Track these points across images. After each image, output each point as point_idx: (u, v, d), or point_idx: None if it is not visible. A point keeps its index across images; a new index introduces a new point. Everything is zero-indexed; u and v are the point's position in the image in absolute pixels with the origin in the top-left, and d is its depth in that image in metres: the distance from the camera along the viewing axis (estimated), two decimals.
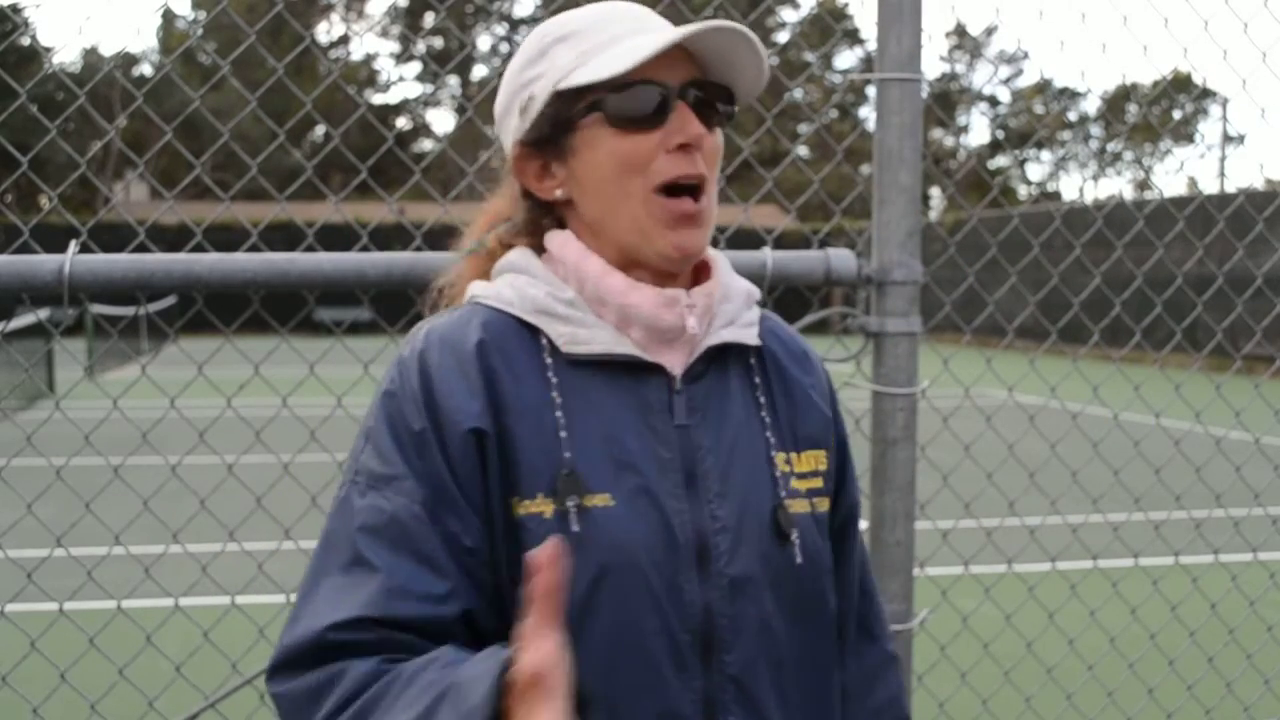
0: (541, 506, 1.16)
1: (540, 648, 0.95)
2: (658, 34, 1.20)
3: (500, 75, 1.34)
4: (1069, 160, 50.61)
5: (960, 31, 49.74)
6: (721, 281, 1.30)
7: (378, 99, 46.17)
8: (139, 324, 21.21)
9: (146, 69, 42.48)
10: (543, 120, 1.24)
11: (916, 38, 2.16)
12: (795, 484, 1.28)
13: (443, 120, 53.67)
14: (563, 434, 1.18)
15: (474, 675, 1.00)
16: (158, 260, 2.00)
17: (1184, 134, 44.51)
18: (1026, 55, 48.65)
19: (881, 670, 1.43)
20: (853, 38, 44.40)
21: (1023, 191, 45.64)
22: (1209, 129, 45.90)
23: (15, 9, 30.41)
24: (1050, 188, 52.34)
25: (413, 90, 50.97)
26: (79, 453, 2.43)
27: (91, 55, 37.87)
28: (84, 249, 2.04)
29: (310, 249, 2.18)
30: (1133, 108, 39.55)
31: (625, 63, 1.17)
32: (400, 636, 1.11)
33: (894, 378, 2.20)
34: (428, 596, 1.12)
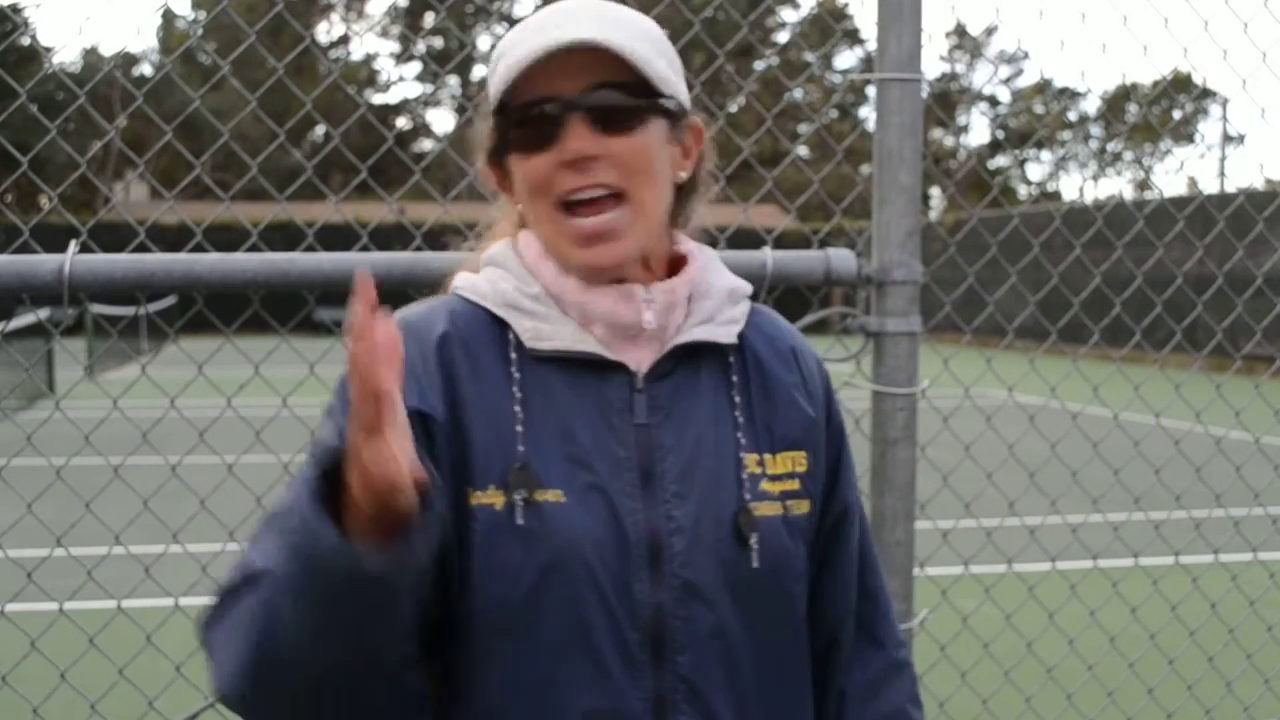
0: (493, 498, 1.17)
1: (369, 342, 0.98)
2: (528, 52, 1.17)
3: None
4: (1069, 160, 50.63)
5: (960, 31, 49.75)
6: (697, 278, 1.29)
7: (378, 99, 46.17)
8: (139, 324, 21.21)
9: (146, 69, 42.52)
10: (490, 140, 1.26)
11: (916, 38, 2.16)
12: (766, 486, 1.26)
13: (443, 120, 53.68)
14: (519, 428, 1.19)
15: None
16: (158, 260, 2.00)
17: (1184, 134, 44.52)
18: (1026, 55, 48.69)
19: (887, 678, 1.39)
20: (853, 38, 44.40)
21: (1023, 191, 45.65)
22: (1209, 129, 45.96)
23: (15, 9, 30.41)
24: (1050, 188, 52.39)
25: (413, 90, 51.04)
26: (79, 453, 2.43)
27: (91, 55, 37.90)
28: (84, 249, 2.04)
29: (310, 249, 2.18)
30: (1133, 108, 39.56)
31: (499, 86, 1.19)
32: None
33: (894, 378, 2.20)
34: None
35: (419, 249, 2.15)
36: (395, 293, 2.09)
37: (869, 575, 1.41)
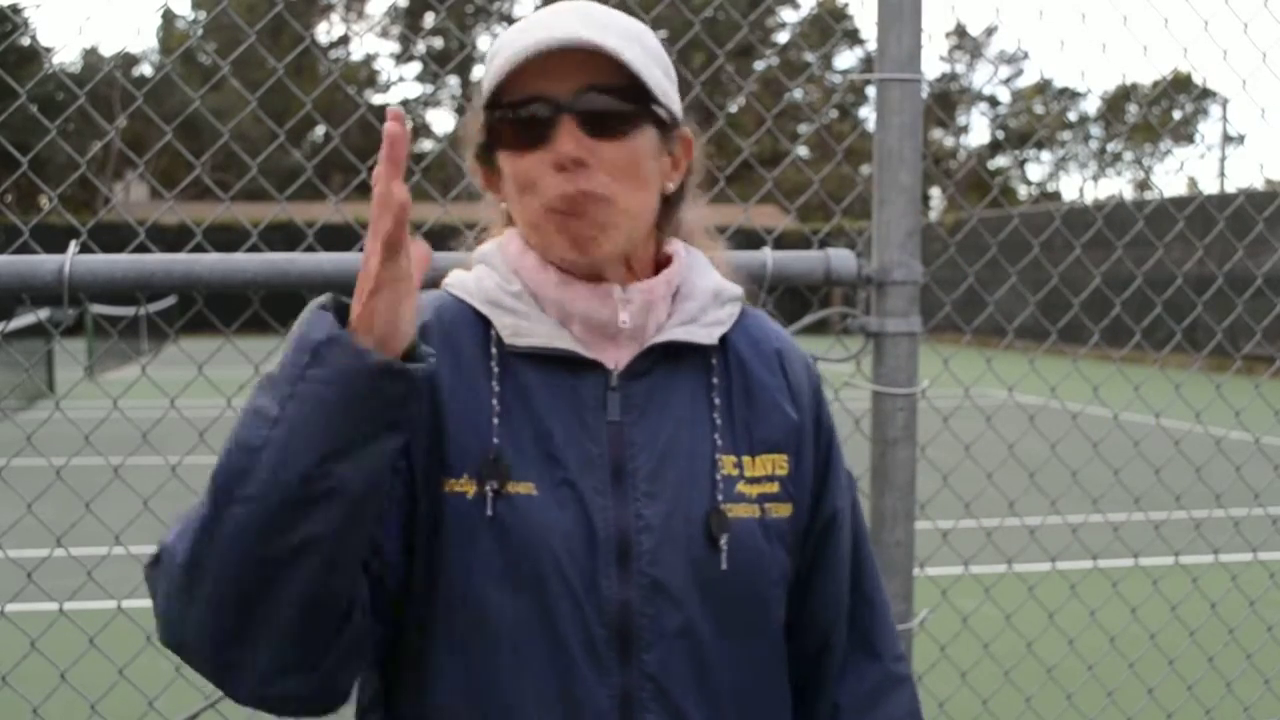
0: (465, 486, 1.19)
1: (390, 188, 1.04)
2: (520, 51, 1.16)
3: None
4: (1069, 160, 50.63)
5: (960, 31, 49.75)
6: (682, 279, 1.29)
7: (378, 99, 46.19)
8: (139, 324, 21.21)
9: (146, 69, 42.52)
10: (479, 137, 1.27)
11: (916, 38, 2.16)
12: (743, 488, 1.26)
13: (443, 120, 53.68)
14: (495, 420, 1.20)
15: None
16: (158, 260, 2.00)
17: (1184, 134, 44.50)
18: (1026, 55, 48.70)
19: (884, 691, 1.37)
20: (853, 38, 44.40)
21: (1023, 191, 45.66)
22: (1209, 129, 45.96)
23: (15, 9, 30.42)
24: (1050, 188, 52.39)
25: (413, 90, 51.00)
26: (79, 453, 2.43)
27: (91, 55, 37.89)
28: (84, 249, 2.04)
29: (310, 249, 2.18)
30: (1133, 108, 39.57)
31: (490, 84, 1.19)
32: None
33: (894, 378, 2.20)
34: None
35: None
36: None
37: (866, 582, 1.40)
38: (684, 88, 1.37)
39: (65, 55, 41.64)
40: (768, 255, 2.17)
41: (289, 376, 1.06)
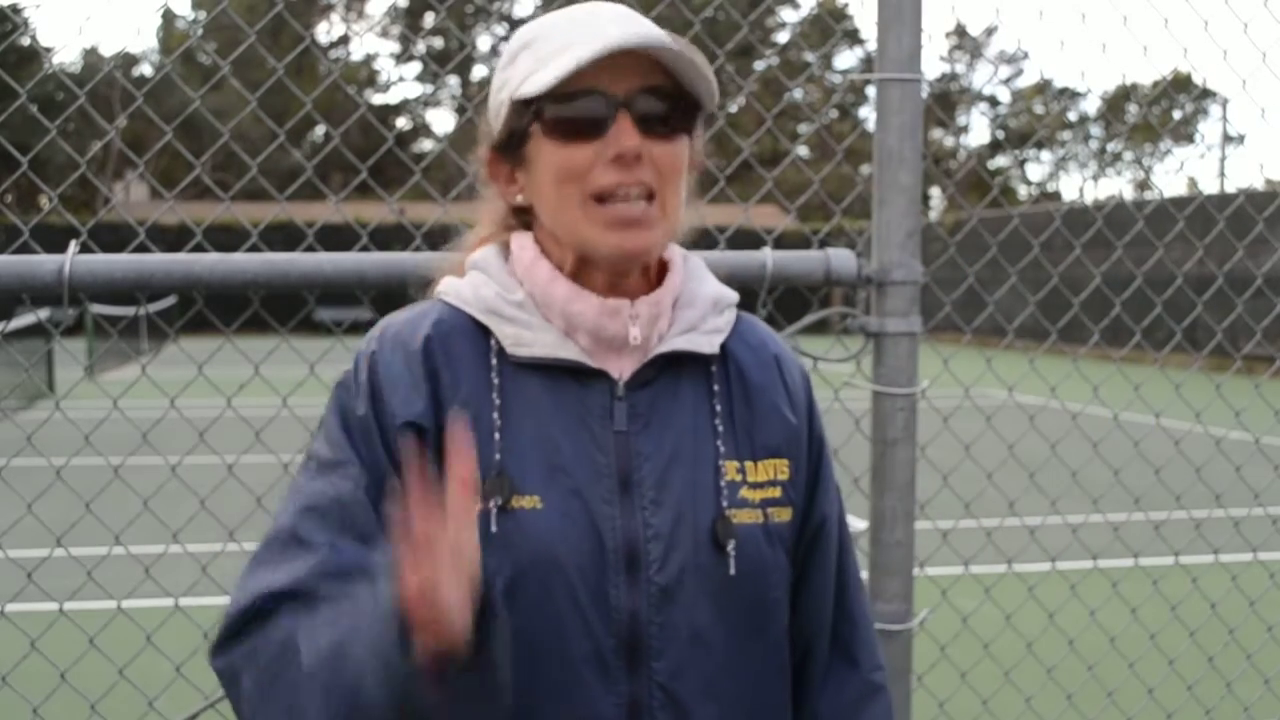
0: None
1: (411, 580, 0.99)
2: (588, 45, 1.17)
3: None
4: (1069, 160, 50.61)
5: (960, 31, 49.75)
6: (682, 287, 1.29)
7: (378, 99, 46.17)
8: (139, 324, 21.20)
9: (146, 69, 42.50)
10: (505, 129, 1.25)
11: (916, 38, 2.16)
12: (746, 494, 1.26)
13: (443, 120, 53.68)
14: (497, 435, 1.20)
15: (371, 615, 1.05)
16: (158, 260, 2.00)
17: (1184, 134, 44.50)
18: (1026, 55, 48.68)
19: (861, 704, 1.37)
20: (853, 38, 44.39)
21: (1023, 191, 45.64)
22: (1209, 129, 45.94)
23: (15, 9, 30.41)
24: (1050, 188, 52.37)
25: (413, 90, 51.02)
26: (79, 453, 2.43)
27: (91, 55, 37.87)
28: (84, 249, 2.04)
29: (310, 249, 2.18)
30: (1133, 108, 39.56)
31: (556, 74, 1.17)
32: None
33: (894, 378, 2.20)
34: (364, 573, 1.13)
35: (419, 249, 2.15)
36: (395, 293, 2.09)
37: (848, 593, 1.40)
38: None
39: (65, 55, 41.66)
40: (768, 255, 2.17)
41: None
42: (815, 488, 1.35)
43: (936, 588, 3.15)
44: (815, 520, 1.35)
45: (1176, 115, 39.07)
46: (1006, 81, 50.11)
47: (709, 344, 1.28)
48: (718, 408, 1.28)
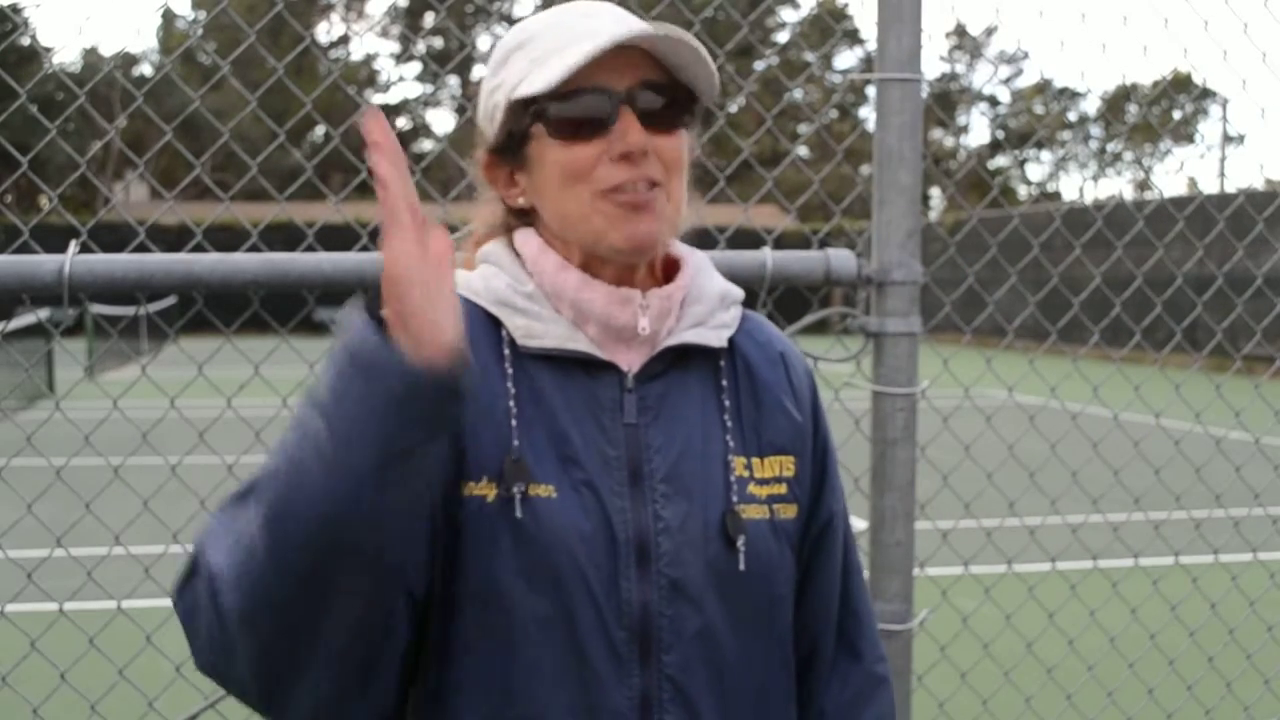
0: (485, 490, 1.18)
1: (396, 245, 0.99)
2: (588, 41, 1.17)
3: None
4: (1069, 160, 50.61)
5: (960, 31, 49.74)
6: (691, 283, 1.30)
7: (378, 99, 46.18)
8: (139, 324, 21.21)
9: (146, 69, 42.51)
10: (502, 131, 1.25)
11: (916, 38, 2.16)
12: (753, 489, 1.27)
13: (443, 120, 53.66)
14: (513, 423, 1.20)
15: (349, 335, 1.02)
16: (158, 260, 2.00)
17: (1184, 134, 44.50)
18: (1026, 55, 48.68)
19: (866, 695, 1.39)
20: (853, 38, 44.39)
21: (1023, 191, 45.63)
22: (1209, 129, 45.93)
23: (15, 9, 30.41)
24: (1050, 188, 52.35)
25: (413, 90, 51.03)
26: (79, 453, 2.43)
27: (91, 55, 37.85)
28: (84, 249, 2.04)
29: (310, 249, 2.18)
30: (1133, 108, 39.56)
31: (557, 73, 1.17)
32: None
33: (894, 378, 2.20)
34: None
35: None
36: None
37: (852, 589, 1.41)
38: None
39: (65, 55, 41.64)
40: (768, 255, 2.17)
41: (337, 396, 1.01)
42: (821, 485, 1.36)
43: (936, 588, 3.15)
44: (822, 518, 1.36)
45: (1176, 115, 39.08)
46: (1006, 81, 50.15)
47: (717, 338, 1.29)
48: (726, 403, 1.29)
